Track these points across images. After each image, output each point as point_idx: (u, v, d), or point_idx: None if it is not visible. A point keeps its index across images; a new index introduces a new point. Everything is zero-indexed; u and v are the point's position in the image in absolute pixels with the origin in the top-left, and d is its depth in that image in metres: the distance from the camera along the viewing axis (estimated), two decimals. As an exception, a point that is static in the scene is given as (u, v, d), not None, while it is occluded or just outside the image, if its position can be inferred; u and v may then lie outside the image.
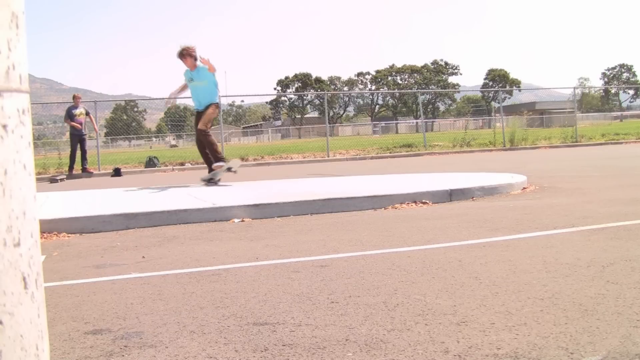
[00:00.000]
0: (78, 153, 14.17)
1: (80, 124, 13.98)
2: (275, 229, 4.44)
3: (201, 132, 7.69)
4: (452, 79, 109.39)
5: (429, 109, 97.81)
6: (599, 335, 1.82)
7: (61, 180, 12.79)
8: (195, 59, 7.70)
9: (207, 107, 7.77)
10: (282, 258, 3.30)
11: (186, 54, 7.64)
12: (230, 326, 2.10)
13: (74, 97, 14.32)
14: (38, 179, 12.00)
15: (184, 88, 8.12)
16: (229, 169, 7.80)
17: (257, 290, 2.59)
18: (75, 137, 14.09)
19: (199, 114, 7.86)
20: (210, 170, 7.85)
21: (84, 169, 14.34)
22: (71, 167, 14.29)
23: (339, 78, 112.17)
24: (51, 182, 12.10)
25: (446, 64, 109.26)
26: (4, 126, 0.89)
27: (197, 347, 1.90)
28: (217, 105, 8.03)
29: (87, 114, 14.26)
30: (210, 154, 7.76)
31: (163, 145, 65.17)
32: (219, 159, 7.75)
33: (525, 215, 4.46)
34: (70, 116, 13.97)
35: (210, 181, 7.71)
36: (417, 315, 2.11)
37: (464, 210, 4.95)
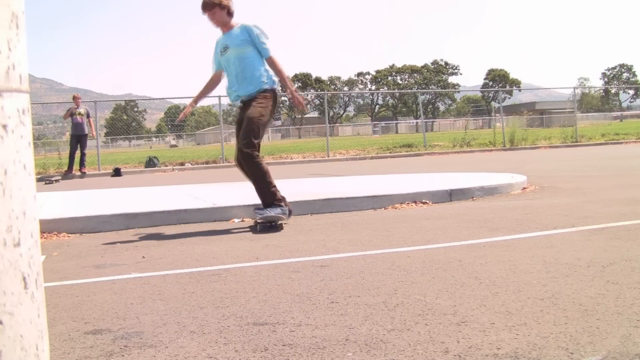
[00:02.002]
0: (78, 154, 14.17)
1: (80, 123, 13.98)
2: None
3: (243, 154, 4.39)
4: (452, 79, 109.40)
5: (429, 109, 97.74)
6: (599, 335, 1.82)
7: (56, 181, 12.69)
8: (230, 14, 4.60)
9: (251, 98, 4.51)
10: (282, 258, 3.30)
11: (217, 4, 4.49)
12: (230, 326, 2.10)
13: (74, 98, 14.33)
14: (36, 179, 11.96)
15: (206, 91, 5.01)
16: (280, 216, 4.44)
17: (257, 290, 2.59)
18: (74, 137, 14.10)
19: (243, 111, 4.54)
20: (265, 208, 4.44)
21: (79, 170, 14.31)
22: (70, 168, 14.27)
23: (339, 78, 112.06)
24: (46, 184, 11.96)
25: (446, 64, 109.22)
26: (4, 126, 0.89)
27: (197, 347, 1.90)
28: (273, 93, 4.59)
29: (88, 116, 14.25)
30: (256, 190, 4.49)
31: (163, 145, 65.14)
32: (272, 202, 4.41)
33: (525, 215, 4.46)
34: (70, 114, 14.02)
35: (272, 225, 4.44)
36: (417, 315, 2.11)
37: (464, 210, 4.95)
